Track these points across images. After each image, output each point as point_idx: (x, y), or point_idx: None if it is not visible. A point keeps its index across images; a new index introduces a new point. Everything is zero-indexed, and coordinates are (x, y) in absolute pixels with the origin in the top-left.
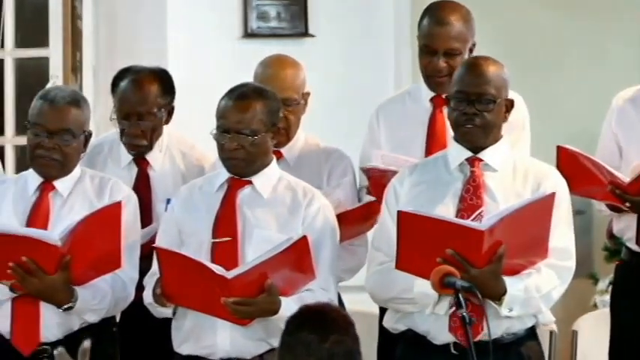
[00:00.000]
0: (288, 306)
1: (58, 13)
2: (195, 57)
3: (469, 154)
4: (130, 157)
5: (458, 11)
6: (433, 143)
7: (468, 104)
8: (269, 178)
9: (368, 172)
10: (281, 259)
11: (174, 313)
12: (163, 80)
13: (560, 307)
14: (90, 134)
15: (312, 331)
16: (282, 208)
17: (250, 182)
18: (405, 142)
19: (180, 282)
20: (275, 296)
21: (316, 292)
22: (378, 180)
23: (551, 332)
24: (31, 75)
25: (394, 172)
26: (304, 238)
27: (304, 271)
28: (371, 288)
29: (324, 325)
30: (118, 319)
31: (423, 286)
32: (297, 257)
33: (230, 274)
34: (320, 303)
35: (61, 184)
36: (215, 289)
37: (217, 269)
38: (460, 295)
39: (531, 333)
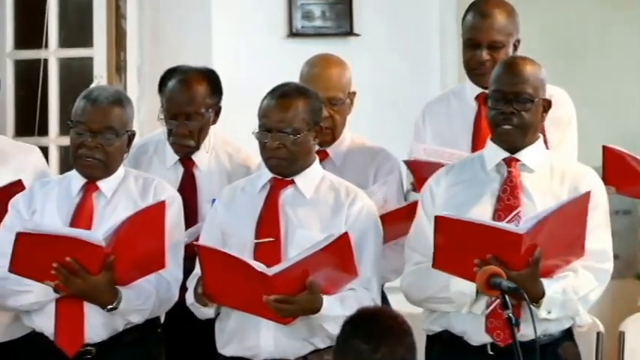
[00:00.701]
0: (330, 305)
1: (102, 13)
2: (240, 56)
3: (506, 154)
4: (176, 158)
5: (502, 5)
6: (478, 141)
7: (506, 103)
8: (312, 178)
9: (412, 165)
10: (322, 257)
11: (216, 315)
12: (211, 80)
13: (608, 308)
14: (133, 134)
15: (364, 340)
16: (324, 207)
17: (293, 182)
18: (450, 140)
19: (222, 280)
20: (317, 294)
21: (359, 291)
22: (421, 174)
23: (598, 333)
24: (75, 75)
25: (437, 164)
26: (345, 234)
27: (346, 269)
28: (406, 288)
29: (377, 333)
30: (162, 320)
31: (459, 285)
32: (339, 254)
33: (271, 272)
34: (377, 308)
35: (105, 185)
36: (256, 287)
37: (258, 266)
38: (506, 296)
39: (568, 334)
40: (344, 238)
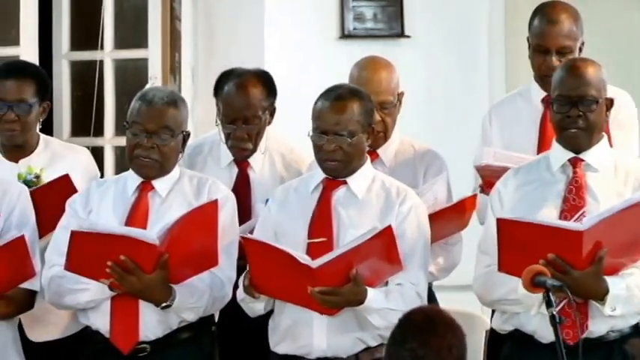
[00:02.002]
0: (375, 297)
1: (156, 14)
2: (292, 58)
3: (571, 154)
4: (231, 158)
5: (568, 10)
6: (545, 143)
7: (571, 107)
8: (364, 179)
9: (481, 170)
10: (366, 249)
11: (267, 311)
12: (266, 82)
13: None
14: (188, 134)
15: (416, 338)
16: (376, 207)
17: (345, 182)
18: (516, 141)
19: (267, 272)
20: (361, 286)
21: (405, 285)
22: (490, 178)
23: None
24: (130, 76)
25: (506, 169)
26: (389, 227)
27: (390, 260)
28: (478, 290)
29: (430, 330)
30: (217, 318)
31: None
32: (382, 246)
33: (315, 264)
34: (426, 308)
35: (160, 184)
36: (301, 279)
37: (302, 258)
38: (550, 294)
39: (636, 330)
40: (387, 230)
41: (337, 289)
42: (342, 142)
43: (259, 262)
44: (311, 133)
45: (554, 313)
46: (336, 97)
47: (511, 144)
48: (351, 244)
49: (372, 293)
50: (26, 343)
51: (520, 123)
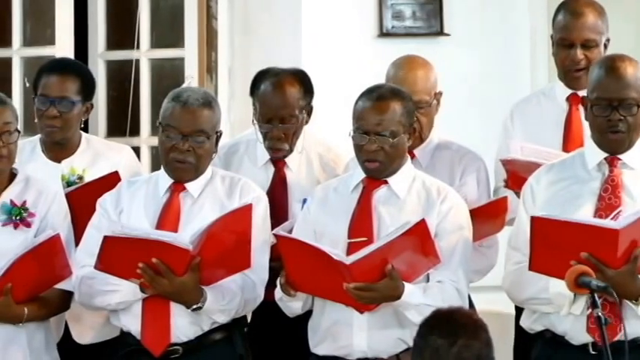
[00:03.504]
0: (412, 292)
1: (193, 14)
2: (330, 57)
3: (607, 153)
4: (267, 157)
5: (592, 4)
6: (570, 142)
7: (612, 111)
8: (405, 178)
9: (507, 164)
10: (400, 243)
11: (310, 312)
12: (303, 82)
13: None
14: (220, 134)
15: (441, 336)
16: (417, 207)
17: (386, 182)
18: (540, 140)
19: (303, 269)
20: (397, 281)
21: (445, 283)
22: (516, 173)
23: None
24: (167, 76)
25: (533, 164)
26: (423, 221)
27: (426, 254)
28: (507, 287)
29: (453, 329)
30: (249, 320)
31: (558, 287)
32: (417, 240)
33: (349, 260)
34: (451, 308)
35: (192, 185)
36: (336, 276)
37: (336, 255)
38: (595, 295)
39: None
40: (421, 224)
41: (373, 284)
42: (383, 143)
43: (294, 260)
44: (352, 134)
45: (600, 314)
46: (377, 97)
47: (535, 142)
48: (385, 240)
49: (409, 288)
50: (70, 345)
51: (544, 122)
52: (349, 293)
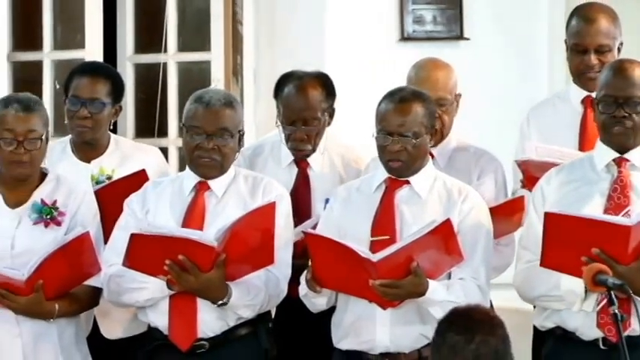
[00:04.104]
0: (436, 289)
1: (219, 18)
2: (352, 60)
3: (616, 154)
4: (291, 158)
5: (604, 10)
6: (586, 142)
7: (617, 107)
8: (426, 178)
9: (523, 165)
10: (425, 242)
11: (333, 308)
12: (326, 84)
13: None
14: (243, 133)
15: (458, 333)
16: (438, 206)
17: (408, 182)
18: (556, 143)
19: (329, 265)
20: (421, 278)
21: (467, 280)
22: (532, 173)
23: None
24: (193, 78)
25: (548, 164)
26: (448, 220)
27: (450, 252)
28: (518, 286)
29: (470, 326)
30: (273, 315)
31: (570, 284)
32: (442, 239)
33: (376, 257)
34: (468, 305)
35: (216, 184)
36: (363, 272)
37: (363, 252)
38: (612, 293)
39: None
40: (447, 223)
41: (398, 281)
42: (406, 143)
43: (321, 256)
44: (375, 134)
45: (616, 311)
46: (400, 99)
47: (551, 145)
48: (410, 238)
49: (433, 285)
50: (99, 340)
51: (559, 125)
52: (375, 290)
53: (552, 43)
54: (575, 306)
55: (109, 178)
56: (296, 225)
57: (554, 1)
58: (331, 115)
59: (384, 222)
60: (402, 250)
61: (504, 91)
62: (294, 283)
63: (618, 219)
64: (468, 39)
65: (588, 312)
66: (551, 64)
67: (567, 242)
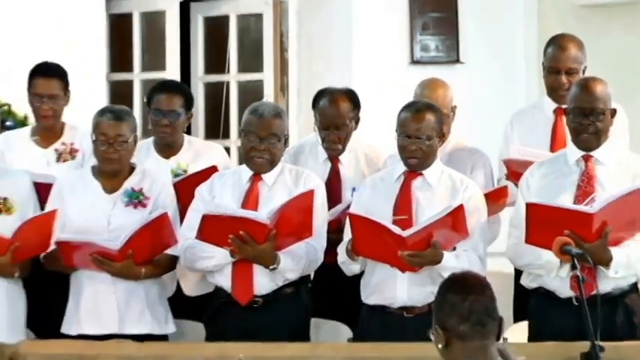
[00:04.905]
0: (448, 259)
1: (270, 46)
2: (373, 79)
3: (583, 152)
4: (325, 156)
5: (574, 40)
6: (556, 144)
7: (584, 117)
8: (435, 171)
9: (508, 162)
10: (443, 222)
11: (361, 271)
12: (352, 98)
13: None
14: (288, 137)
15: (455, 293)
16: (445, 193)
17: (422, 174)
18: (533, 142)
19: (367, 239)
20: (439, 250)
21: (469, 252)
22: (515, 168)
23: None
24: (250, 93)
25: (526, 162)
26: (461, 206)
27: (459, 230)
28: (510, 256)
29: (465, 288)
30: (312, 277)
31: (548, 256)
32: (454, 220)
33: (405, 233)
34: (463, 272)
35: (268, 176)
36: (393, 245)
37: (396, 229)
38: (575, 260)
39: (633, 288)
40: (460, 208)
41: (421, 252)
42: (421, 144)
43: (360, 232)
44: (397, 137)
45: (578, 274)
46: (416, 110)
47: (528, 144)
48: (432, 219)
49: (446, 256)
50: (180, 298)
51: (535, 129)
52: (403, 259)
53: (528, 64)
54: (552, 273)
55: (185, 171)
56: (329, 208)
57: (528, 32)
58: (357, 122)
59: (403, 205)
60: (425, 228)
61: (490, 101)
62: (329, 252)
63: (584, 207)
64: (463, 62)
65: (563, 277)
66: (527, 80)
67: (545, 225)
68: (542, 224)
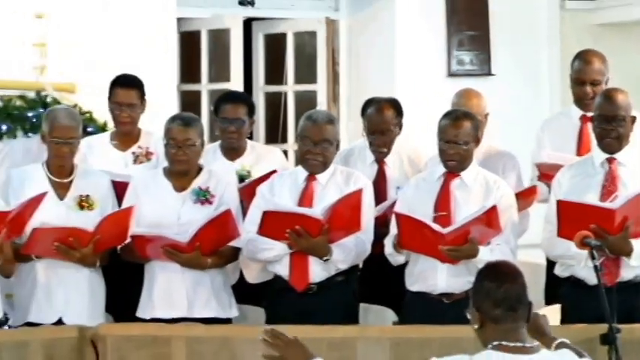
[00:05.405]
0: (484, 252)
1: (323, 60)
2: (415, 89)
3: (607, 155)
4: (373, 158)
5: (598, 55)
6: (582, 148)
7: (607, 123)
8: (472, 173)
9: (540, 165)
10: (478, 220)
11: (406, 261)
12: (396, 106)
13: None
14: (339, 142)
15: (490, 281)
16: (480, 192)
17: (459, 175)
18: (561, 146)
19: (411, 235)
20: (475, 245)
21: (502, 245)
22: (545, 171)
23: None
24: (305, 102)
25: (557, 165)
26: (495, 206)
27: (494, 227)
28: (544, 248)
29: (499, 276)
30: (361, 266)
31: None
32: (489, 218)
33: (445, 231)
34: (499, 261)
35: (321, 176)
36: (434, 240)
37: (436, 227)
38: (594, 251)
39: None
40: (493, 208)
41: (460, 247)
42: (459, 149)
43: (406, 229)
44: (437, 142)
45: (597, 264)
46: (455, 117)
47: (557, 148)
48: (469, 218)
49: (482, 250)
50: (242, 286)
51: (564, 134)
52: (443, 253)
53: (551, 77)
54: (582, 263)
55: (248, 172)
56: (376, 205)
57: (552, 48)
58: (400, 128)
59: (442, 203)
60: (462, 226)
61: (518, 109)
62: (376, 244)
63: (607, 204)
64: (494, 75)
65: (590, 267)
66: (550, 90)
67: (574, 220)
68: (571, 219)
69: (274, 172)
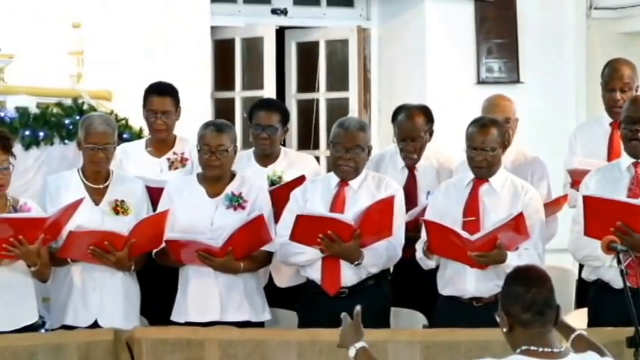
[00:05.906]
0: (511, 258)
1: (354, 68)
2: (445, 96)
3: (633, 160)
4: (404, 164)
5: (628, 63)
6: (612, 153)
7: (633, 124)
8: (500, 178)
9: (572, 172)
10: (506, 227)
11: (436, 266)
12: (427, 113)
13: None
14: (371, 148)
15: (519, 285)
16: (508, 198)
17: (488, 181)
18: (593, 151)
19: (440, 242)
20: (503, 251)
21: (530, 250)
22: (578, 177)
23: None
24: (337, 110)
25: (588, 171)
26: (521, 213)
27: (521, 233)
28: (571, 250)
29: (528, 280)
30: (392, 270)
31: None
32: (516, 225)
33: (473, 237)
34: (527, 265)
35: (353, 182)
36: (463, 247)
37: (464, 234)
38: (620, 255)
39: None
40: (520, 215)
41: (488, 253)
42: (486, 155)
43: (435, 235)
44: (465, 149)
45: (622, 268)
46: (482, 125)
47: (589, 152)
48: (496, 225)
49: (510, 256)
50: (273, 289)
51: (595, 139)
52: (472, 259)
53: (577, 84)
54: (607, 263)
55: (280, 177)
56: (407, 210)
57: (578, 56)
58: (431, 134)
59: (471, 208)
60: (491, 233)
61: (545, 115)
62: (407, 248)
63: (634, 200)
64: (522, 82)
65: (615, 267)
66: (576, 97)
67: (600, 217)
68: (597, 216)
69: (303, 177)
